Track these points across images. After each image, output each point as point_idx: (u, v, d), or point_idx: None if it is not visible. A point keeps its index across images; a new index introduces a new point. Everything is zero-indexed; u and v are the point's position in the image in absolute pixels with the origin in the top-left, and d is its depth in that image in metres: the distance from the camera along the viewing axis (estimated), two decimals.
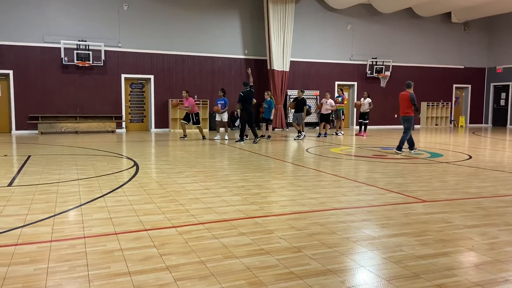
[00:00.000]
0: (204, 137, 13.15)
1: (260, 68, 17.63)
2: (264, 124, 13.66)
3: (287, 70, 17.71)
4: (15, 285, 2.56)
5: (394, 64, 19.81)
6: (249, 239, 3.49)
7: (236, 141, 12.03)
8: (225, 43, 17.26)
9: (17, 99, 14.48)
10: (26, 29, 14.31)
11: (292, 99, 14.16)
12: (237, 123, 15.30)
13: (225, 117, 13.04)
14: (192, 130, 15.64)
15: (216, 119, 13.35)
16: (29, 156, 8.52)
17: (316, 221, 4.07)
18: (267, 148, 10.90)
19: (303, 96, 13.81)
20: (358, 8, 18.99)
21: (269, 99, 13.54)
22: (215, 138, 13.14)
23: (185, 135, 13.17)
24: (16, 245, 3.27)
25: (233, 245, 3.33)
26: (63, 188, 5.49)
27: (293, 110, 13.98)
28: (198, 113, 13.26)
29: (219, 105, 12.86)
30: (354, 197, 5.18)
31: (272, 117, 13.64)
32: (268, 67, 17.53)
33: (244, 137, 12.25)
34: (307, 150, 10.48)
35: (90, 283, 2.61)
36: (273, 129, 16.08)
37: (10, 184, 5.67)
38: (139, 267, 2.87)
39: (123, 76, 15.87)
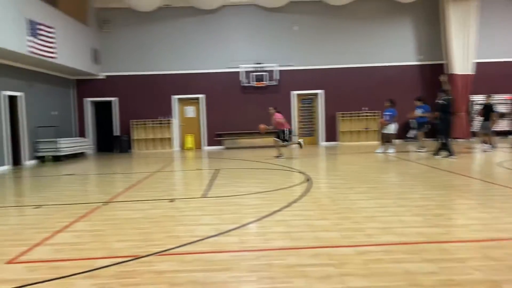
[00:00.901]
0: (280, 155, 11.87)
1: (436, 73, 16.20)
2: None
3: (470, 73, 15.83)
4: None
5: None
6: (435, 267, 3.18)
7: (445, 157, 10.36)
8: (396, 50, 16.54)
9: (207, 118, 16.69)
10: (214, 58, 16.44)
11: (482, 106, 12.50)
12: (410, 134, 14.31)
13: (391, 128, 12.27)
14: (356, 143, 15.29)
15: (383, 131, 12.67)
16: (217, 170, 9.66)
17: None
18: (449, 162, 9.83)
19: (490, 101, 12.10)
20: None
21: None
22: (377, 151, 12.54)
23: (280, 154, 12.00)
24: (212, 252, 3.71)
25: (417, 272, 3.09)
26: (247, 200, 6.02)
27: (481, 118, 12.34)
28: (284, 130, 11.79)
29: (387, 117, 12.26)
30: None
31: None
32: (447, 72, 15.97)
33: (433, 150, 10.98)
34: (500, 164, 9.08)
35: None
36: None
37: (204, 196, 6.52)
38: (320, 285, 2.92)
39: (294, 92, 16.69)
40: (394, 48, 16.54)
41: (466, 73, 15.81)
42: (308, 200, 5.84)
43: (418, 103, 12.44)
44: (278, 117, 11.83)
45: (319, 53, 16.54)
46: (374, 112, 16.39)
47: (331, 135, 16.82)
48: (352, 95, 16.56)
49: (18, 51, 10.48)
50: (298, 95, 16.85)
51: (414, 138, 14.03)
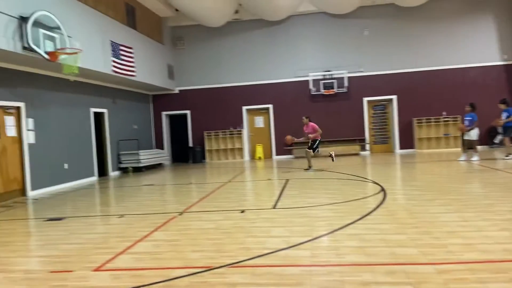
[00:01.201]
0: (310, 168, 11.46)
1: None
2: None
3: None
4: None
5: None
6: None
7: None
8: (476, 50, 15.45)
9: (275, 128, 16.81)
10: (282, 68, 16.57)
11: None
12: (497, 139, 13.19)
13: (473, 134, 11.36)
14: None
15: (464, 138, 11.77)
16: (287, 180, 9.66)
17: None
18: None
19: None
20: None
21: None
22: (460, 159, 11.67)
23: (309, 166, 11.57)
24: (283, 266, 3.69)
25: None
26: (317, 212, 5.94)
27: None
28: (318, 140, 11.53)
29: (466, 122, 11.43)
30: None
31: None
32: None
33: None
34: None
35: None
36: None
37: (274, 207, 6.54)
38: None
39: (365, 99, 16.23)
40: (475, 48, 15.44)
41: None
42: (382, 213, 5.61)
43: (503, 107, 11.47)
44: (316, 127, 11.49)
45: (391, 57, 15.95)
46: (455, 117, 15.37)
47: (407, 142, 16.05)
48: (429, 100, 15.71)
49: (104, 72, 11.43)
50: (370, 101, 16.35)
51: (501, 144, 12.92)
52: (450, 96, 15.56)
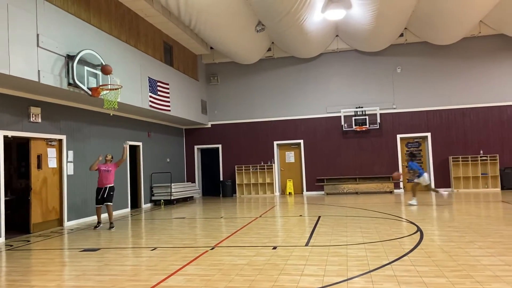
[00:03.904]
0: (111, 225, 9.05)
1: None
2: None
3: None
4: None
5: None
6: None
7: None
8: None
9: (306, 163, 16.73)
10: (314, 104, 16.68)
11: None
12: None
13: None
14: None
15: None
16: (319, 217, 9.50)
17: None
18: None
19: None
20: None
21: None
22: None
23: (99, 222, 9.29)
24: None
25: None
26: (351, 251, 5.78)
27: None
28: (113, 186, 9.31)
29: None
30: None
31: None
32: None
33: None
34: None
35: None
36: None
37: (307, 244, 6.43)
38: None
39: (398, 136, 16.00)
40: (511, 86, 15.11)
41: None
42: (420, 254, 5.40)
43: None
44: (113, 168, 9.46)
45: (425, 94, 15.79)
46: (493, 156, 14.86)
47: (443, 181, 15.54)
48: (465, 138, 15.32)
49: (141, 106, 11.86)
50: (403, 138, 16.10)
51: None
52: (487, 134, 15.14)
